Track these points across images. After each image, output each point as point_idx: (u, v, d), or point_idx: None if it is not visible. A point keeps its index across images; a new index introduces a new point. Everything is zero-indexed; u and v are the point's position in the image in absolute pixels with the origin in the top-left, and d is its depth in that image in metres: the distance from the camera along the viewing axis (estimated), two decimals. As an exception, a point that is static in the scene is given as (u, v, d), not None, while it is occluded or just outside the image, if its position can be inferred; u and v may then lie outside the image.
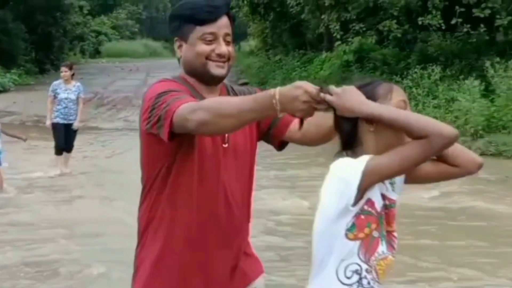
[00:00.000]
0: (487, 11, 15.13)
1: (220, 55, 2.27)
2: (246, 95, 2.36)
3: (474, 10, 15.25)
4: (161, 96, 2.14)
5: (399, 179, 2.07)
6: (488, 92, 13.86)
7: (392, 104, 1.98)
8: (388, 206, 2.02)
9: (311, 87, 1.91)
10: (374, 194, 1.96)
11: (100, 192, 8.97)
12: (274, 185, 8.89)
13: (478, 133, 12.47)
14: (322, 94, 1.92)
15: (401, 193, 2.08)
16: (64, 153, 10.45)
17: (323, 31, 21.49)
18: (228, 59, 2.29)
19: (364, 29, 18.67)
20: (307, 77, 21.02)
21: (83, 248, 6.42)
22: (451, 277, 5.60)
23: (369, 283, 1.97)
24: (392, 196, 2.03)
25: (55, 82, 10.64)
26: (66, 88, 10.40)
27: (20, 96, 22.62)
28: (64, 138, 10.36)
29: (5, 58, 26.43)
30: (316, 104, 1.92)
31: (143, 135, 2.25)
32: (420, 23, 16.31)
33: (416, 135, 1.89)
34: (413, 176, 2.07)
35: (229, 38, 2.29)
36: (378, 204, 1.97)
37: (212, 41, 2.26)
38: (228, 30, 2.29)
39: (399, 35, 17.38)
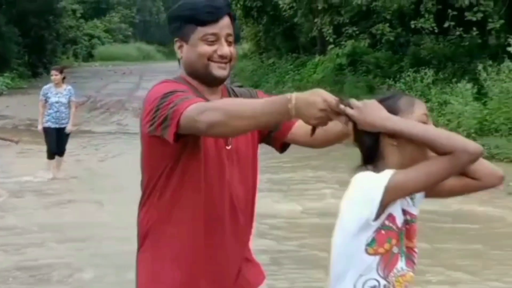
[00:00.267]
0: (480, 15, 15.17)
1: (222, 56, 2.24)
2: (247, 96, 2.37)
3: (466, 14, 15.28)
4: (167, 96, 2.10)
5: (419, 194, 2.04)
6: (480, 95, 13.89)
7: (414, 117, 1.96)
8: (409, 221, 2.00)
9: (330, 97, 1.89)
10: (395, 209, 1.95)
11: (93, 196, 8.94)
12: (266, 188, 8.87)
13: (471, 136, 12.48)
14: (342, 107, 1.89)
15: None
16: (57, 157, 10.40)
17: (316, 34, 21.52)
18: (230, 60, 2.27)
19: (357, 32, 18.72)
20: (300, 81, 21.07)
21: (75, 252, 6.40)
22: (443, 280, 5.60)
23: None
24: (413, 211, 2.01)
25: (46, 86, 10.55)
26: (57, 92, 10.33)
27: (13, 99, 22.56)
28: (56, 142, 10.31)
29: (-2, 62, 26.42)
30: (332, 114, 1.89)
31: (145, 137, 2.21)
32: (413, 26, 16.34)
33: (441, 151, 1.87)
34: (436, 191, 2.04)
35: (231, 39, 2.27)
36: (399, 219, 1.96)
37: (214, 42, 2.23)
38: (230, 30, 2.27)
39: (392, 38, 17.42)
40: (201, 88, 2.27)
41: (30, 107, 17.07)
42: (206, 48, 2.23)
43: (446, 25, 15.81)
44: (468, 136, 12.42)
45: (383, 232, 1.93)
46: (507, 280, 5.59)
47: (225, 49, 2.24)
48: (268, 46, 29.05)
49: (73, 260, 6.14)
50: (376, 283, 1.95)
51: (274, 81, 23.51)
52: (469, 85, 13.88)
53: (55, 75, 10.39)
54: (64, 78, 10.53)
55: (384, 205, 1.90)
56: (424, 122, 1.96)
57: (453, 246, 6.66)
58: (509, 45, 13.36)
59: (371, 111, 1.91)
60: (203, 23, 2.22)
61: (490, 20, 15.42)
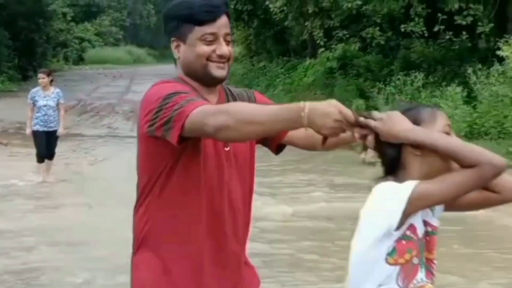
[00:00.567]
0: (469, 19, 15.26)
1: (221, 56, 2.20)
2: (244, 97, 2.36)
3: (456, 18, 15.36)
4: (171, 97, 2.06)
5: (439, 206, 2.03)
6: (470, 98, 13.97)
7: (437, 128, 1.95)
8: (430, 233, 2.00)
9: (346, 109, 1.88)
10: (416, 220, 1.94)
11: (83, 199, 8.90)
12: (257, 191, 8.83)
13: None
14: (362, 119, 1.89)
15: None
16: (46, 161, 10.35)
17: (306, 38, 21.56)
18: (228, 59, 2.24)
19: (347, 36, 18.77)
20: (291, 84, 21.09)
21: (66, 256, 6.36)
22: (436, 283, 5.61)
23: None
24: (434, 222, 2.01)
25: (33, 90, 10.47)
26: (45, 95, 10.26)
27: (2, 102, 22.46)
28: (46, 145, 10.26)
29: (-12, 65, 26.31)
30: (347, 126, 1.88)
31: (143, 138, 2.18)
32: (403, 30, 16.41)
33: (464, 163, 1.87)
34: (456, 204, 2.02)
35: (229, 38, 2.24)
36: (420, 230, 1.95)
37: (213, 41, 2.19)
38: (228, 29, 2.23)
39: (382, 42, 17.48)
40: (200, 88, 2.24)
41: (20, 110, 16.97)
42: (204, 48, 2.19)
43: (436, 29, 15.90)
44: (458, 139, 12.49)
45: (403, 242, 1.93)
46: (494, 282, 5.62)
47: (224, 48, 2.20)
48: (258, 50, 29.09)
49: (62, 264, 6.11)
50: None
51: (264, 85, 23.53)
52: (459, 89, 13.95)
53: (42, 78, 10.32)
54: (52, 81, 10.46)
55: (406, 215, 1.89)
56: (447, 133, 1.96)
57: (444, 249, 6.65)
58: (498, 48, 13.42)
59: (394, 122, 1.91)
60: (201, 22, 2.18)
61: (479, 24, 15.51)
